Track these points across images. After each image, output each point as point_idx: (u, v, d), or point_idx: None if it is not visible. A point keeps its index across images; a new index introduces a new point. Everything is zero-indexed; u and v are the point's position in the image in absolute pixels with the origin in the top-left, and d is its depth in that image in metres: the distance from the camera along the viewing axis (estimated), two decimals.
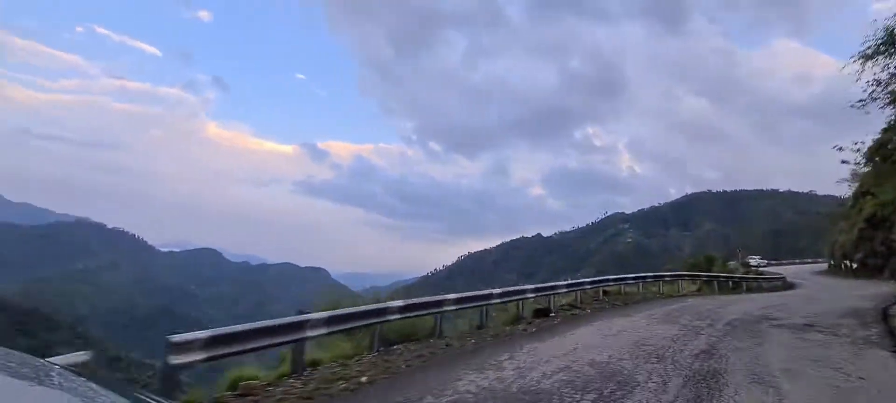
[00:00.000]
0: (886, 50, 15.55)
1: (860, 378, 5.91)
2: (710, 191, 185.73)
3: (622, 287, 16.43)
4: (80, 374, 1.14)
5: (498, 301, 10.61)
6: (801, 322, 10.66)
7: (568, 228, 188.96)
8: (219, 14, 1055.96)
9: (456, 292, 9.80)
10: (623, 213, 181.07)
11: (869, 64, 15.93)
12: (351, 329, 7.24)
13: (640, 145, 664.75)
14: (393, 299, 8.47)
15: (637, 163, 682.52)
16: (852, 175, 31.50)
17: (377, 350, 7.52)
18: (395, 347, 7.96)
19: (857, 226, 30.33)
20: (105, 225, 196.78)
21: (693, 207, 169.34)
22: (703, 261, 27.84)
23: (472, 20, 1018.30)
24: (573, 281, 13.85)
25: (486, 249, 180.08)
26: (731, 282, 24.09)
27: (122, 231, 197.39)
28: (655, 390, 5.26)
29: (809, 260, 52.96)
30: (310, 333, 6.33)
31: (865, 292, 18.38)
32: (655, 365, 6.38)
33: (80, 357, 3.90)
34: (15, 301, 71.37)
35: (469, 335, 9.35)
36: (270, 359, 7.40)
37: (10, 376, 0.92)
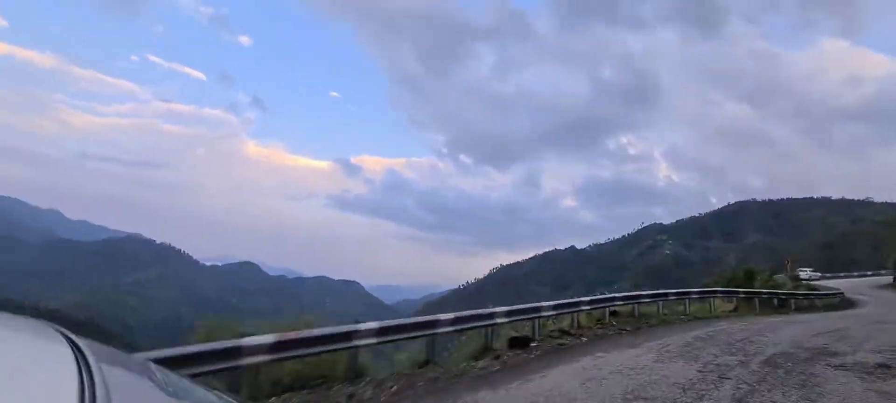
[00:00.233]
0: None
1: None
2: (754, 199, 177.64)
3: (636, 307, 13.91)
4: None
5: (503, 320, 9.60)
6: (874, 359, 7.62)
7: (602, 240, 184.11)
8: (258, 38, 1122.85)
9: (491, 307, 9.34)
10: (660, 224, 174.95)
11: None
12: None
13: (677, 153, 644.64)
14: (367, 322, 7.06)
15: (675, 171, 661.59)
16: None
17: None
18: (271, 400, 5.82)
19: None
20: (154, 241, 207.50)
21: (737, 217, 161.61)
22: (741, 275, 24.68)
23: (500, 33, 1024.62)
24: (562, 302, 11.61)
25: (517, 262, 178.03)
26: (776, 300, 21.75)
27: (170, 245, 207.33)
28: None
29: (870, 273, 49.08)
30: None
31: None
32: None
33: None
34: (72, 312, 76.50)
35: (401, 376, 7.07)
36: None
37: (121, 368, 0.93)
